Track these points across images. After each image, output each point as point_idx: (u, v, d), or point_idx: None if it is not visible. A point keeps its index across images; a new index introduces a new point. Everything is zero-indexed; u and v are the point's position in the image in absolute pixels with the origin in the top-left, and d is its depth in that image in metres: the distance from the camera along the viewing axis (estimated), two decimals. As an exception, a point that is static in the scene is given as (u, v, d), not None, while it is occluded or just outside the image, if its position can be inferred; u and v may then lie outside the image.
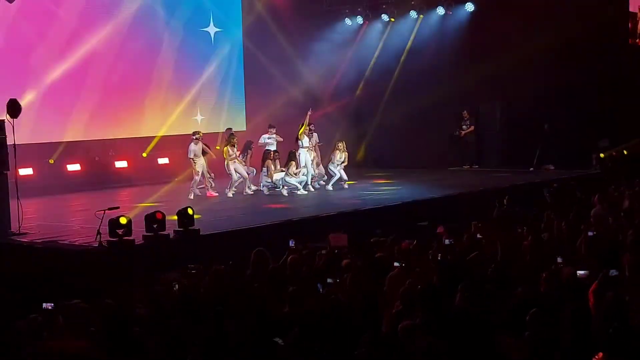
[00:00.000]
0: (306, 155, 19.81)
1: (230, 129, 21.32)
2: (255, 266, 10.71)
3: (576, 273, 8.72)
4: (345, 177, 20.29)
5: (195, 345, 7.25)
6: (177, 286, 10.06)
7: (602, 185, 16.53)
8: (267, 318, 8.00)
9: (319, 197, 19.08)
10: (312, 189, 20.00)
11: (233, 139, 19.87)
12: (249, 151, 20.44)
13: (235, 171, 19.62)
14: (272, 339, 7.19)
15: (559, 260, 9.58)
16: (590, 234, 11.16)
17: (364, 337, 6.75)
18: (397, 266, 9.90)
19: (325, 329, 7.35)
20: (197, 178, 19.46)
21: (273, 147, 20.18)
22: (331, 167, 20.39)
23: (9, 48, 20.51)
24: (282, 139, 20.52)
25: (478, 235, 12.22)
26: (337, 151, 20.35)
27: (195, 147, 19.48)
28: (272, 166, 19.72)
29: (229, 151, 19.62)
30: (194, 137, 19.66)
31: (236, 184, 19.70)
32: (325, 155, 21.12)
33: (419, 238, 12.28)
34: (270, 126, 20.72)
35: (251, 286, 9.69)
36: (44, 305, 8.91)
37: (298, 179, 19.58)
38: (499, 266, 9.60)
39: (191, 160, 19.45)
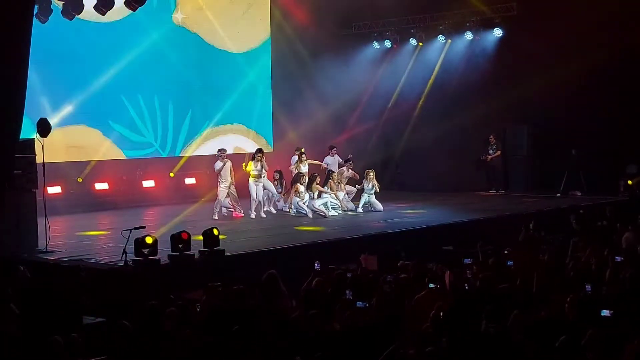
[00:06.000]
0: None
1: (261, 149, 21.32)
2: (265, 287, 10.68)
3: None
4: (380, 207, 20.25)
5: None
6: (199, 307, 10.10)
7: (630, 213, 16.41)
8: (292, 339, 8.01)
9: (345, 220, 19.07)
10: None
11: (258, 154, 19.81)
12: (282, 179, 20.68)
13: (249, 190, 19.49)
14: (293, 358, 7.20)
15: (588, 288, 9.46)
16: (617, 259, 11.08)
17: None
18: (432, 287, 9.86)
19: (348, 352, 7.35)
20: (221, 197, 19.34)
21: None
22: (364, 195, 20.41)
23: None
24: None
25: (508, 262, 12.15)
26: (367, 180, 20.38)
27: (220, 164, 19.41)
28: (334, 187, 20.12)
29: (251, 166, 19.48)
30: (219, 155, 19.62)
31: (255, 204, 19.59)
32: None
33: (443, 262, 12.24)
34: (332, 147, 21.84)
35: (261, 307, 9.71)
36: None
37: (322, 201, 19.54)
38: (524, 291, 9.56)
39: (219, 176, 19.34)
